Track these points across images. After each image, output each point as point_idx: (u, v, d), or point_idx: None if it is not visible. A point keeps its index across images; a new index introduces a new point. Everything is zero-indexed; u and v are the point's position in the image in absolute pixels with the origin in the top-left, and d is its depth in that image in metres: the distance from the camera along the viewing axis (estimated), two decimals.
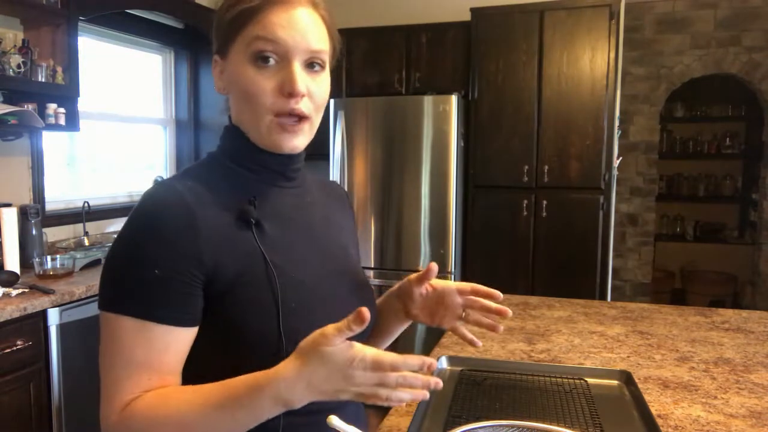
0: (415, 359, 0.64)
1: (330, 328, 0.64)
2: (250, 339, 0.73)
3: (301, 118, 0.78)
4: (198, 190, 0.76)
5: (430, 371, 0.64)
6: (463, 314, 0.91)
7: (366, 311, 0.62)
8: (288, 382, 0.64)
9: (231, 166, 0.83)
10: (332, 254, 0.88)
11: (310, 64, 0.79)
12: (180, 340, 0.73)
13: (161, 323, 0.71)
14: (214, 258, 0.73)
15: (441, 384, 0.67)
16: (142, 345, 0.71)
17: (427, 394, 0.66)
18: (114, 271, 0.73)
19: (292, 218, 0.85)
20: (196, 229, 0.73)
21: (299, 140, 0.80)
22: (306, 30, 0.78)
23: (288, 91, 0.76)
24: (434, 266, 0.85)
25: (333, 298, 0.83)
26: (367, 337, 0.96)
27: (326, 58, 0.81)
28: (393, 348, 1.05)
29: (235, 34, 0.79)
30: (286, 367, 0.65)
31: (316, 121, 0.82)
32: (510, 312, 0.87)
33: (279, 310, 0.75)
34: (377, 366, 0.63)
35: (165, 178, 3.48)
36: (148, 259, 0.70)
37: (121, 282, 0.72)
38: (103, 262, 0.78)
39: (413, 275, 0.91)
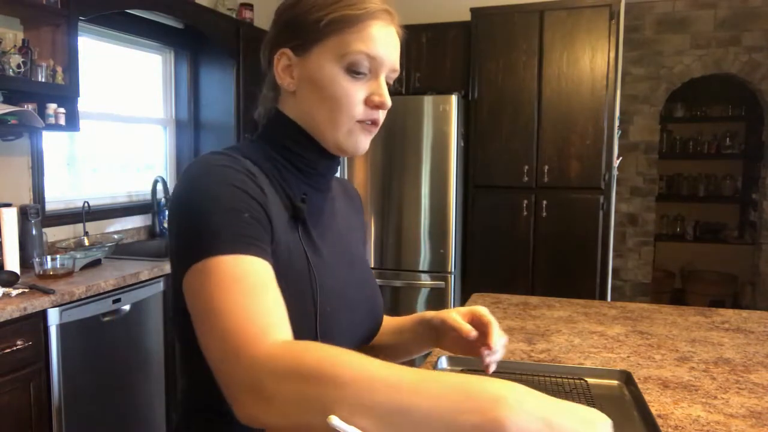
0: None
1: None
2: None
3: (375, 122, 0.82)
4: (254, 167, 0.76)
5: None
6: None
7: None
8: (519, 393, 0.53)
9: (279, 159, 0.82)
10: (355, 262, 0.91)
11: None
12: (274, 277, 0.69)
13: (261, 258, 0.68)
14: (275, 230, 0.73)
15: None
16: (256, 274, 0.66)
17: None
18: (197, 223, 0.68)
19: (327, 224, 0.87)
20: (263, 190, 0.73)
21: (369, 143, 0.84)
22: (396, 49, 0.83)
23: (377, 103, 0.80)
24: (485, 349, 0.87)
25: (355, 305, 0.86)
26: (386, 353, 0.97)
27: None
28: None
29: (327, 38, 0.78)
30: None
31: None
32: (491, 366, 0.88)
33: (317, 312, 0.76)
34: None
35: (163, 175, 3.47)
36: (232, 204, 0.69)
37: (211, 229, 0.67)
38: (171, 231, 0.73)
39: (456, 323, 0.89)
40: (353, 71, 0.78)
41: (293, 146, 0.83)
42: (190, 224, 0.69)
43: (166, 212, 0.73)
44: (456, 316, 0.89)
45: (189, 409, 0.81)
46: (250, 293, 0.64)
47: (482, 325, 0.87)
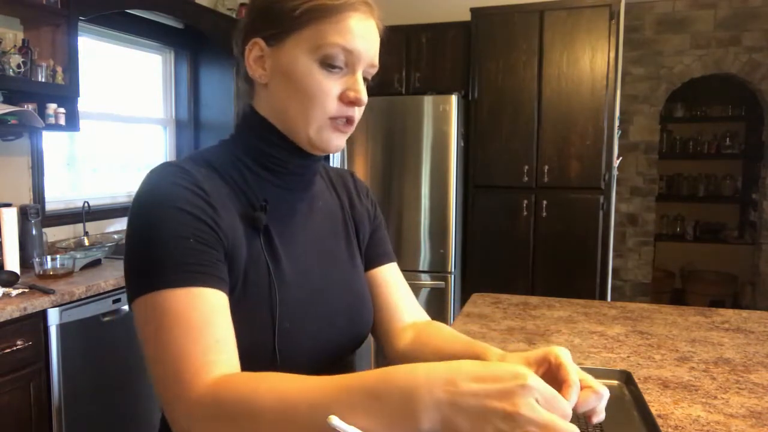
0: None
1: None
2: (241, 350, 0.69)
3: (350, 120, 0.78)
4: (212, 177, 0.74)
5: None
6: None
7: None
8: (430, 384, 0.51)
9: (246, 160, 0.79)
10: (336, 266, 0.86)
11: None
12: (225, 304, 0.68)
13: (206, 287, 0.67)
14: (229, 245, 0.71)
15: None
16: (198, 309, 0.65)
17: None
18: (141, 253, 0.68)
19: (301, 226, 0.82)
20: (213, 207, 0.71)
21: (344, 140, 0.79)
22: (375, 43, 0.77)
23: (352, 99, 0.75)
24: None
25: (327, 316, 0.81)
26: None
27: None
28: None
29: (302, 28, 0.74)
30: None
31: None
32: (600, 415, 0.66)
33: (276, 327, 0.73)
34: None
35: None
36: (176, 231, 0.67)
37: (153, 260, 0.66)
38: (125, 253, 0.72)
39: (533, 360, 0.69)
40: (328, 65, 0.74)
41: (263, 146, 0.79)
42: (135, 252, 0.69)
43: None
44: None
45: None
46: (189, 332, 0.64)
47: (559, 372, 0.64)
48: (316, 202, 0.87)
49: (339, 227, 0.90)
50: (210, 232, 0.69)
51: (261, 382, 0.59)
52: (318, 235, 0.85)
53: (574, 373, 0.63)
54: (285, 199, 0.81)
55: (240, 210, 0.75)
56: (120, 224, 3.18)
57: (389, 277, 0.97)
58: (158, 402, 0.68)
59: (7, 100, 2.40)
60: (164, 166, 0.73)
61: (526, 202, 3.51)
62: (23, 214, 2.46)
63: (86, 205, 2.88)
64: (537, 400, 0.49)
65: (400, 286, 0.98)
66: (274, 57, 0.76)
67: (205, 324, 0.65)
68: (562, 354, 0.66)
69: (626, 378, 1.24)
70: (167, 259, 0.66)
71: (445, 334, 0.87)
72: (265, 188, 0.79)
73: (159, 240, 0.67)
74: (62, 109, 2.52)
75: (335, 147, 0.78)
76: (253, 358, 0.70)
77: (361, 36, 0.75)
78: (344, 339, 0.84)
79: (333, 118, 0.76)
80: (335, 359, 0.83)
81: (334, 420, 0.55)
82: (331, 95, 0.75)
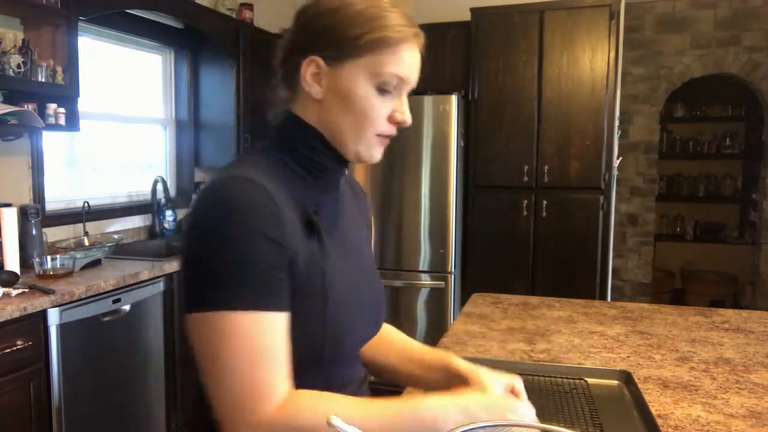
0: None
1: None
2: (294, 344, 0.75)
3: (390, 136, 0.87)
4: (276, 187, 0.78)
5: None
6: None
7: None
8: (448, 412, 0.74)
9: (293, 166, 0.85)
10: (363, 265, 0.94)
11: None
12: (286, 325, 0.75)
13: (272, 311, 0.73)
14: (292, 255, 0.77)
15: None
16: (264, 333, 0.71)
17: None
18: (212, 268, 0.72)
19: (336, 227, 0.89)
20: (284, 222, 0.75)
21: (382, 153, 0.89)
22: (418, 69, 0.86)
23: (399, 121, 0.84)
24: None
25: (360, 311, 0.89)
26: (395, 377, 1.02)
27: None
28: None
29: (362, 55, 0.81)
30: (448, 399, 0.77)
31: None
32: None
33: (325, 324, 0.80)
34: None
35: (163, 175, 3.47)
36: (252, 254, 0.72)
37: (224, 279, 0.71)
38: (186, 259, 0.75)
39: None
40: (383, 90, 0.82)
41: (308, 152, 0.85)
42: (208, 265, 0.72)
43: (183, 229, 0.74)
44: (491, 386, 0.88)
45: (204, 418, 0.80)
46: (255, 355, 0.70)
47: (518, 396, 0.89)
48: (343, 203, 0.94)
49: (360, 225, 0.99)
50: (282, 252, 0.74)
51: (327, 407, 0.71)
52: (349, 233, 0.93)
53: (524, 393, 0.90)
54: (324, 201, 0.88)
55: (296, 215, 0.80)
56: (120, 224, 3.18)
57: None
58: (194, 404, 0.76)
59: (7, 100, 2.40)
60: (240, 181, 0.76)
61: (526, 202, 3.51)
62: (23, 214, 2.46)
63: (86, 205, 2.88)
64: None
65: None
66: (332, 76, 0.82)
67: (270, 349, 0.72)
68: (519, 384, 0.91)
69: (626, 378, 1.24)
70: (239, 282, 0.71)
71: (402, 338, 1.05)
72: (308, 191, 0.85)
73: (234, 261, 0.71)
74: (62, 109, 2.52)
75: (377, 159, 0.88)
76: (302, 351, 0.77)
77: (411, 66, 0.84)
78: (371, 331, 0.96)
79: (379, 135, 0.85)
80: (359, 348, 0.93)
81: (335, 420, 0.55)
82: (381, 115, 0.83)
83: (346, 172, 0.96)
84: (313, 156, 0.85)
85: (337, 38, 0.81)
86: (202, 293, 0.71)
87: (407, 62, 0.82)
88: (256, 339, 0.70)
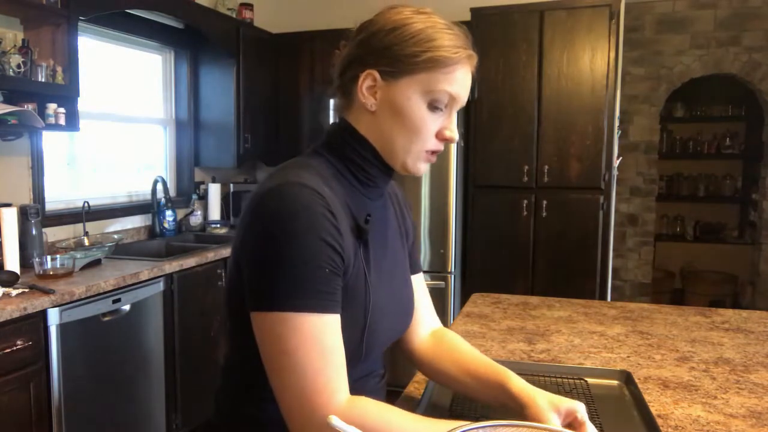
0: None
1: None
2: None
3: (437, 152, 0.90)
4: (331, 194, 0.82)
5: None
6: None
7: None
8: None
9: (345, 173, 0.89)
10: (400, 267, 0.98)
11: None
12: (340, 327, 0.79)
13: (333, 313, 0.77)
14: (347, 262, 0.81)
15: None
16: (328, 334, 0.76)
17: None
18: (280, 271, 0.75)
19: (382, 233, 0.93)
20: (340, 230, 0.79)
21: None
22: (469, 88, 0.90)
23: (447, 138, 0.87)
24: None
25: (393, 317, 0.94)
26: (451, 386, 1.05)
27: None
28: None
29: (417, 72, 0.84)
30: None
31: None
32: None
33: (366, 327, 0.85)
34: None
35: (163, 175, 3.47)
36: (316, 259, 0.76)
37: (292, 282, 0.75)
38: (252, 258, 0.79)
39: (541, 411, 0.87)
40: (434, 107, 0.85)
41: (360, 161, 0.89)
42: (274, 267, 0.75)
43: (242, 231, 0.76)
44: (548, 413, 0.85)
45: (235, 385, 0.90)
46: (324, 355, 0.75)
47: (581, 429, 0.85)
48: (386, 211, 0.98)
49: (400, 233, 1.03)
50: (339, 259, 0.79)
51: (392, 417, 0.76)
52: (390, 239, 0.97)
53: (592, 428, 0.85)
54: (371, 208, 0.91)
55: (348, 223, 0.84)
56: (120, 224, 3.18)
57: (419, 285, 1.10)
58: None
59: (7, 100, 2.40)
60: (299, 187, 0.78)
61: (526, 202, 3.51)
62: (23, 214, 2.46)
63: (86, 205, 2.88)
64: None
65: (426, 295, 1.13)
66: (387, 90, 0.85)
67: (334, 348, 0.76)
68: (582, 409, 0.86)
69: (626, 378, 1.24)
70: (307, 285, 0.75)
71: (464, 348, 1.04)
72: (357, 199, 0.88)
73: (301, 265, 0.75)
74: (62, 109, 2.52)
75: (422, 173, 0.92)
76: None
77: (463, 85, 0.87)
78: (399, 332, 1.00)
79: (428, 151, 0.88)
80: (387, 348, 0.98)
81: (334, 420, 0.55)
82: (431, 131, 0.86)
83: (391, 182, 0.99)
84: (364, 165, 0.89)
85: (394, 55, 0.84)
86: (268, 291, 0.75)
87: (460, 82, 0.86)
88: (324, 339, 0.75)
